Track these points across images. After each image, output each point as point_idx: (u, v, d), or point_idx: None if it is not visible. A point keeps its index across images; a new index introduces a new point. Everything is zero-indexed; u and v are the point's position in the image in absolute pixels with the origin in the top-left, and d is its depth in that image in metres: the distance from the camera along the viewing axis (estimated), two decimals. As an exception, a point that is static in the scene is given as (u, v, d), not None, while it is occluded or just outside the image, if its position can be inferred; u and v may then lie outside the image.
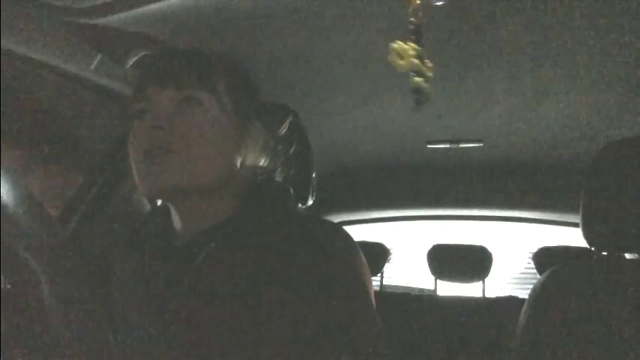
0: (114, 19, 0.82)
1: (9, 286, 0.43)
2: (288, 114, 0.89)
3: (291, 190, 0.83)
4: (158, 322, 0.70)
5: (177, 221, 0.77)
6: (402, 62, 0.68)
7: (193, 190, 0.71)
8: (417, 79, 0.69)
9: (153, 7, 0.80)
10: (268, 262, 0.71)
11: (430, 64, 0.71)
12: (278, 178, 0.83)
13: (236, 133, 0.76)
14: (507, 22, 0.93)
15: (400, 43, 0.68)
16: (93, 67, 0.93)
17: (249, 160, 0.78)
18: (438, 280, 2.58)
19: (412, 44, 0.68)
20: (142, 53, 0.94)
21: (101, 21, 0.82)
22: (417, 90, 0.70)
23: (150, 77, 0.73)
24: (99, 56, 0.92)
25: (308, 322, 0.67)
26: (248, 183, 0.78)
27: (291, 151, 0.84)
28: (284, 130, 0.84)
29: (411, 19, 0.69)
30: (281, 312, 0.67)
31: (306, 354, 0.65)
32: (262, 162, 0.80)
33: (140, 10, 0.80)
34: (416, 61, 0.68)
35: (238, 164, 0.76)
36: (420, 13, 0.69)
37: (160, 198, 0.78)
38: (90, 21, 0.82)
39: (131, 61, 0.94)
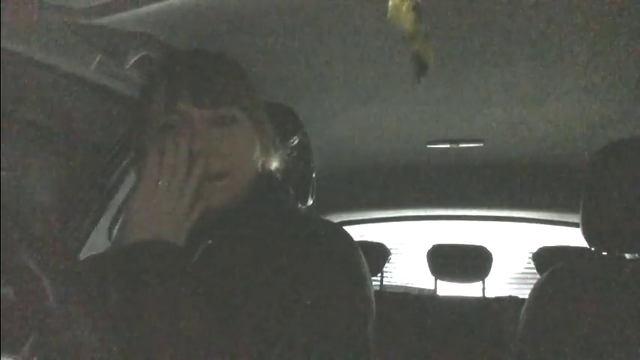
0: (114, 19, 0.82)
1: (9, 287, 0.43)
2: (298, 126, 0.89)
3: (291, 190, 0.83)
4: (156, 320, 0.70)
5: None
6: (403, 17, 0.63)
7: (236, 206, 0.70)
8: (417, 45, 0.65)
9: (153, 7, 0.80)
10: (267, 261, 0.71)
11: (432, 46, 0.67)
12: (278, 177, 0.83)
13: (263, 144, 0.75)
14: (507, 22, 0.93)
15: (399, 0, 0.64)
16: (93, 67, 0.93)
17: (266, 165, 0.78)
18: (438, 280, 2.58)
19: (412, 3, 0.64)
20: (142, 53, 0.94)
21: (101, 21, 0.82)
22: (418, 59, 0.66)
23: (182, 91, 0.70)
24: (99, 56, 0.92)
25: (307, 322, 0.67)
26: (250, 182, 0.78)
27: (295, 153, 0.84)
28: (295, 141, 0.84)
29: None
30: (280, 311, 0.67)
31: (305, 353, 0.65)
32: (271, 165, 0.80)
33: (140, 10, 0.80)
34: (417, 24, 0.64)
35: (260, 170, 0.76)
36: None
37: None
38: (90, 21, 0.82)
39: (131, 61, 0.94)
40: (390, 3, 0.64)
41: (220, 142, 0.69)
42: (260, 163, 0.75)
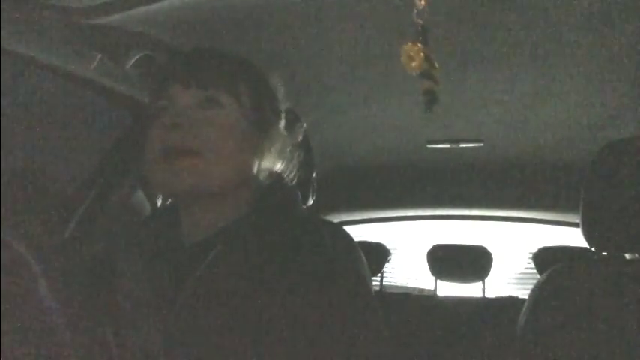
0: (114, 19, 0.82)
1: (9, 286, 0.43)
2: (301, 121, 0.89)
3: (299, 193, 0.83)
4: (163, 322, 0.70)
5: (186, 222, 0.77)
6: (413, 64, 0.68)
7: (209, 191, 0.70)
8: (428, 81, 0.69)
9: (153, 7, 0.80)
10: (272, 263, 0.71)
11: (437, 66, 0.71)
12: (286, 180, 0.83)
13: (255, 136, 0.75)
14: (507, 22, 0.93)
15: (410, 44, 0.68)
16: (93, 67, 0.93)
17: (266, 164, 0.78)
18: (438, 280, 2.58)
19: (421, 46, 0.68)
20: (142, 53, 0.94)
21: (101, 21, 0.82)
22: (428, 92, 0.70)
23: (172, 75, 0.73)
24: (99, 56, 0.92)
25: (310, 322, 0.67)
26: (260, 186, 0.78)
27: (302, 157, 0.84)
28: (299, 138, 0.84)
29: (418, 20, 0.69)
30: (284, 313, 0.67)
31: (308, 354, 0.65)
32: (278, 167, 0.80)
33: (140, 10, 0.80)
34: (426, 63, 0.68)
35: (255, 168, 0.76)
36: (426, 14, 0.69)
37: (174, 197, 0.77)
38: (90, 21, 0.82)
39: (131, 61, 0.94)
40: (403, 48, 0.69)
41: (200, 122, 0.70)
42: (252, 153, 0.75)
